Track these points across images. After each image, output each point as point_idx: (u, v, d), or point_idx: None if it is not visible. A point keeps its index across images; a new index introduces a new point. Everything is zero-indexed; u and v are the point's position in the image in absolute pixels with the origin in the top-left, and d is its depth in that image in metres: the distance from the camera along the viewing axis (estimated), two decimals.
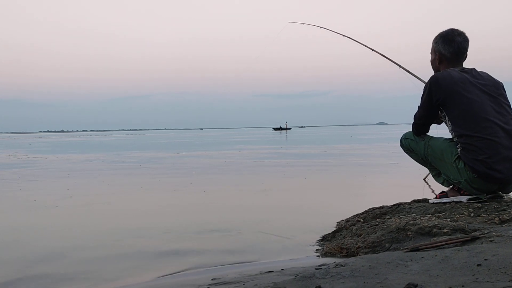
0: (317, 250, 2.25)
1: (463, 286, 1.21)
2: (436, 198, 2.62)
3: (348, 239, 2.21)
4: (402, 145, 2.80)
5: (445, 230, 1.93)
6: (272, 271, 1.74)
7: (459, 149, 2.42)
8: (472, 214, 2.23)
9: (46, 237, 2.79)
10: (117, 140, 30.05)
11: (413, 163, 2.92)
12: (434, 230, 1.96)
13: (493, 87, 2.47)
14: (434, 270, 1.40)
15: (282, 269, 1.75)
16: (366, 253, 1.98)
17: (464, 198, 2.46)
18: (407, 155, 2.84)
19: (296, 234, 2.60)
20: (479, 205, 2.33)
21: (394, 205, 2.68)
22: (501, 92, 2.48)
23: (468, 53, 2.58)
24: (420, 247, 1.74)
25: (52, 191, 5.09)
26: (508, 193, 2.52)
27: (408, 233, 2.00)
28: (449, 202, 2.48)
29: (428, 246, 1.75)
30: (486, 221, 2.10)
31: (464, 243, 1.76)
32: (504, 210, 2.23)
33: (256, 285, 1.49)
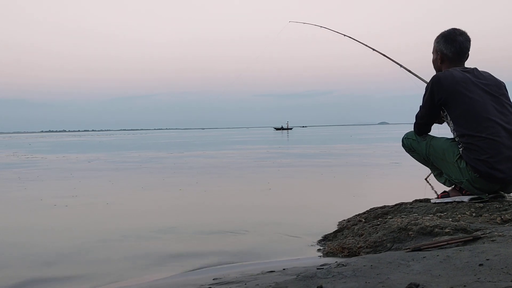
0: (319, 250, 2.25)
1: (465, 286, 1.21)
2: (438, 198, 2.62)
3: (349, 239, 2.21)
4: (403, 145, 2.80)
5: (447, 230, 1.93)
6: (274, 271, 1.74)
7: (461, 148, 2.41)
8: (474, 214, 2.23)
9: (52, 237, 2.80)
10: (117, 140, 30.07)
11: (414, 163, 2.92)
12: (436, 230, 1.95)
13: (495, 86, 2.46)
14: (436, 270, 1.40)
15: (284, 269, 1.75)
16: (367, 253, 1.98)
17: (466, 198, 2.45)
18: (408, 154, 2.83)
19: (297, 234, 2.60)
20: (481, 205, 2.33)
21: (395, 205, 2.68)
22: (503, 91, 2.48)
23: (469, 52, 2.58)
24: (422, 247, 1.73)
25: (58, 190, 5.10)
26: (510, 193, 2.52)
27: (410, 233, 2.00)
28: (451, 202, 2.47)
29: (430, 246, 1.75)
30: (488, 221, 2.10)
31: (466, 243, 1.76)
32: (506, 210, 2.22)
33: (257, 285, 1.49)
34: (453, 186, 2.59)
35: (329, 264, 1.69)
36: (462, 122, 2.40)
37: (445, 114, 2.51)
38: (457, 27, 2.59)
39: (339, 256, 2.06)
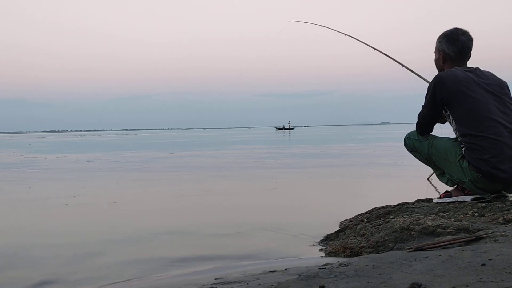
0: (321, 249, 2.25)
1: (467, 286, 1.20)
2: (440, 197, 2.62)
3: (351, 239, 2.21)
4: (406, 145, 2.79)
5: (449, 230, 1.93)
6: (276, 271, 1.74)
7: (463, 148, 2.41)
8: (476, 214, 2.22)
9: (56, 238, 2.80)
10: (117, 140, 30.10)
11: (416, 163, 2.91)
12: (438, 229, 1.95)
13: (497, 86, 2.46)
14: (438, 269, 1.40)
15: (286, 269, 1.75)
16: (369, 252, 1.98)
17: (468, 198, 2.45)
18: (410, 154, 2.83)
19: (299, 234, 2.60)
20: (483, 204, 2.32)
21: (397, 204, 2.67)
22: (505, 91, 2.47)
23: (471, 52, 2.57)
24: (424, 247, 1.73)
25: (65, 190, 5.11)
26: None
27: (412, 232, 2.00)
28: (453, 202, 2.47)
29: (432, 245, 1.74)
30: (490, 221, 2.09)
31: (468, 242, 1.75)
32: (508, 209, 2.22)
33: (259, 284, 1.49)
34: (455, 186, 2.58)
35: (331, 264, 1.68)
36: (465, 122, 2.39)
37: (447, 113, 2.51)
38: (459, 27, 2.59)
39: (341, 256, 2.06)
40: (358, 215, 2.70)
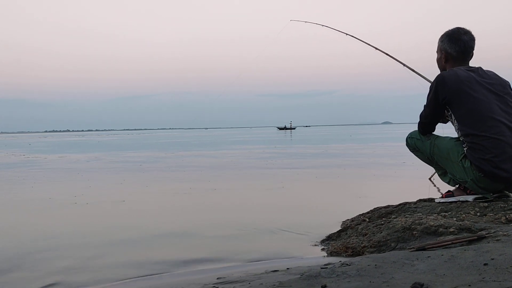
0: (323, 249, 2.25)
1: (469, 285, 1.20)
2: (442, 197, 2.61)
3: (353, 239, 2.21)
4: (408, 144, 2.79)
5: (451, 230, 1.93)
6: (278, 270, 1.74)
7: (466, 148, 2.40)
8: (478, 214, 2.22)
9: (62, 238, 2.81)
10: (118, 140, 30.13)
11: (418, 162, 2.91)
12: (440, 229, 1.95)
13: (500, 86, 2.45)
14: (440, 269, 1.40)
15: (288, 268, 1.75)
16: (371, 252, 1.98)
17: (470, 198, 2.44)
18: (411, 154, 2.83)
19: (301, 234, 2.60)
20: (486, 204, 2.32)
21: (399, 204, 2.67)
22: (507, 91, 2.47)
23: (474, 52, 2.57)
24: (426, 247, 1.73)
25: (72, 189, 5.12)
26: None
27: (414, 232, 2.00)
28: (455, 202, 2.47)
29: (434, 245, 1.74)
30: (492, 221, 2.09)
31: (470, 242, 1.75)
32: (510, 209, 2.21)
33: (261, 284, 1.49)
34: (457, 186, 2.58)
35: (333, 263, 1.68)
36: (467, 122, 2.39)
37: (449, 113, 2.50)
38: (462, 26, 2.58)
39: (343, 256, 2.06)
40: (360, 214, 2.70)
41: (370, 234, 2.16)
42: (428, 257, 1.56)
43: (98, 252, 2.35)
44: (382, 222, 2.27)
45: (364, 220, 2.50)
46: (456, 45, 2.52)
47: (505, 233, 1.78)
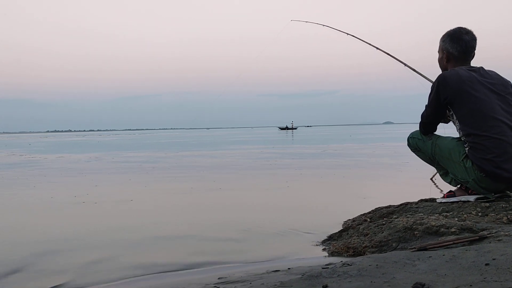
0: (324, 249, 2.25)
1: (471, 285, 1.20)
2: (443, 197, 2.61)
3: (355, 239, 2.20)
4: (409, 144, 2.79)
5: (453, 230, 1.92)
6: (279, 270, 1.74)
7: (467, 148, 2.40)
8: (480, 214, 2.22)
9: (70, 236, 2.82)
10: (118, 140, 30.14)
11: (419, 162, 2.90)
12: (442, 229, 1.95)
13: (501, 85, 2.45)
14: (441, 269, 1.39)
15: (289, 268, 1.75)
16: (373, 252, 1.97)
17: (472, 198, 2.44)
18: (412, 154, 2.82)
19: (302, 234, 2.60)
20: (487, 204, 2.32)
21: (401, 204, 2.67)
22: (509, 91, 2.46)
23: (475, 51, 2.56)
24: (427, 247, 1.73)
25: (78, 189, 5.12)
26: None
27: (416, 232, 1.99)
28: (457, 202, 2.46)
29: (435, 245, 1.74)
30: (494, 221, 2.09)
31: (472, 242, 1.75)
32: None
33: (263, 284, 1.49)
34: (459, 186, 2.58)
35: (334, 263, 1.68)
36: (468, 121, 2.38)
37: (451, 113, 2.50)
38: (463, 26, 2.58)
39: (344, 256, 2.06)
40: (361, 214, 2.70)
41: (371, 234, 2.16)
42: (430, 257, 1.56)
43: (98, 252, 2.35)
44: (384, 222, 2.27)
45: (366, 220, 2.49)
46: (458, 45, 2.52)
47: (506, 233, 1.77)
